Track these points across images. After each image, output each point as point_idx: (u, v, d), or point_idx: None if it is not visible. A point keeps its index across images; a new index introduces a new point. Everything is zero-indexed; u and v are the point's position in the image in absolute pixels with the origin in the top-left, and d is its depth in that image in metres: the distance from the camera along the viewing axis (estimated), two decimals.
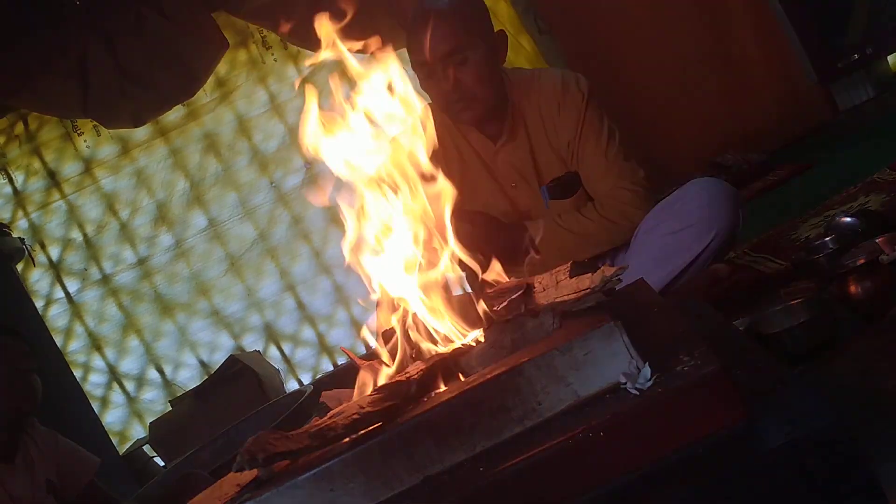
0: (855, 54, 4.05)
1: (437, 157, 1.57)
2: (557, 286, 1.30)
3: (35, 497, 2.38)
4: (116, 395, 4.83)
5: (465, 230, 2.13)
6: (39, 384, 2.43)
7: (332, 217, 4.71)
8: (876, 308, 1.72)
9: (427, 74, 2.36)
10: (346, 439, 1.13)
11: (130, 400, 4.84)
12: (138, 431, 4.78)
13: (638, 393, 1.02)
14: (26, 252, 4.39)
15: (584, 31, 4.45)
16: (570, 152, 2.45)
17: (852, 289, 1.74)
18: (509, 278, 1.57)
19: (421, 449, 1.08)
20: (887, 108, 4.00)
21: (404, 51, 2.39)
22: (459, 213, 2.32)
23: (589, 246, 2.42)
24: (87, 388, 4.70)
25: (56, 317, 4.77)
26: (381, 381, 1.34)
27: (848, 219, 2.31)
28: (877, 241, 1.86)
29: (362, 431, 1.13)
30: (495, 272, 1.55)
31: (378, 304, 1.57)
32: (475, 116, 2.41)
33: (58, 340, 4.65)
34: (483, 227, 2.35)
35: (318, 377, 4.85)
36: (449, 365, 1.27)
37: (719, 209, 2.29)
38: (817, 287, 2.07)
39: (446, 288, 1.45)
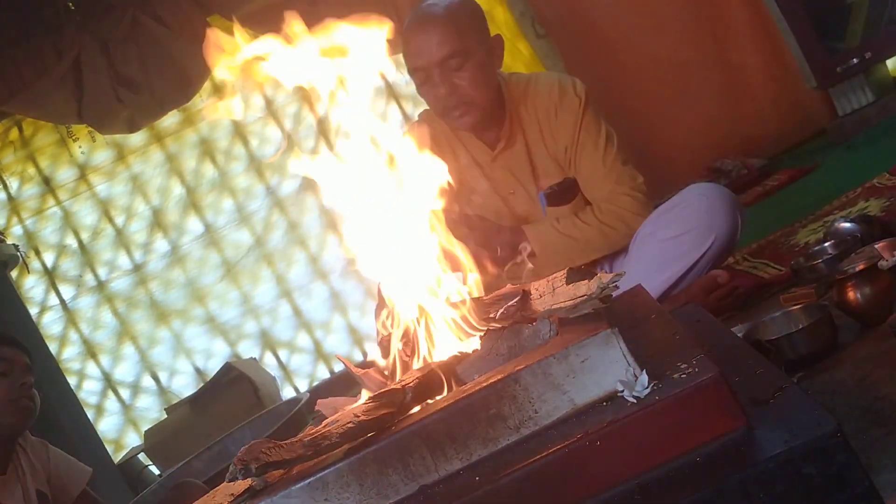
0: (854, 59, 4.05)
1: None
2: (554, 293, 1.29)
3: None
4: (111, 403, 4.82)
5: (461, 233, 2.12)
6: (38, 399, 2.40)
7: (329, 223, 4.70)
8: (875, 314, 1.71)
9: (423, 80, 2.34)
10: (341, 448, 1.12)
11: (125, 408, 4.83)
12: (133, 439, 4.76)
13: (635, 401, 1.01)
14: (20, 258, 4.36)
15: (581, 36, 4.45)
16: (568, 158, 2.44)
17: (851, 295, 1.73)
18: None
19: (416, 458, 1.07)
20: (887, 112, 3.99)
21: (401, 56, 2.38)
22: (454, 217, 2.31)
23: (587, 251, 2.42)
24: (81, 395, 4.68)
25: (50, 324, 4.75)
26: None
27: (847, 224, 2.30)
28: (876, 246, 1.85)
29: (357, 440, 1.12)
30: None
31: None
32: (472, 122, 2.38)
33: (52, 348, 4.62)
34: (480, 230, 2.34)
35: (314, 384, 4.83)
36: (444, 373, 1.26)
37: (718, 214, 2.29)
38: (816, 293, 2.06)
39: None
